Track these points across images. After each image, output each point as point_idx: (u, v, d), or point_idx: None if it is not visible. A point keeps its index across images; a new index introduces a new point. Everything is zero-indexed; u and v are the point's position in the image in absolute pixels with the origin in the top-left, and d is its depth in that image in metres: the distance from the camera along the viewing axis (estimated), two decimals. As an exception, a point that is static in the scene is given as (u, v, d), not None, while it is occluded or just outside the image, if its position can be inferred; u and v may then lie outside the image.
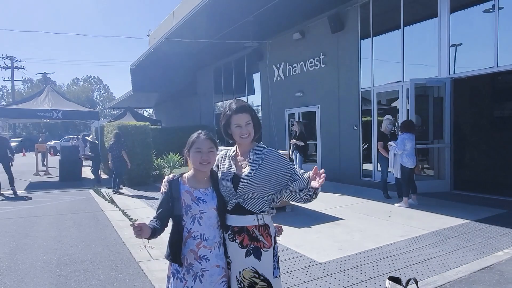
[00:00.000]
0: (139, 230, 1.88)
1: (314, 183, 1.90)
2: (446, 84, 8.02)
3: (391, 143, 7.03)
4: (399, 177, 7.01)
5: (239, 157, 2.22)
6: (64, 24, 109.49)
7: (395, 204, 7.06)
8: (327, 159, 11.43)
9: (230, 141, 2.27)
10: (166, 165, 11.96)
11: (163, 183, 2.15)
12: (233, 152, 2.27)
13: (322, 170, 1.91)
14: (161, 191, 2.14)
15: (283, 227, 2.33)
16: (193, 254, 2.04)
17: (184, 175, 2.16)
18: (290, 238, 5.20)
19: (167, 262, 2.15)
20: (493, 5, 7.24)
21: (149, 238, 1.96)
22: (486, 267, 4.07)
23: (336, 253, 4.59)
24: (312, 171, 1.95)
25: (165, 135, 14.66)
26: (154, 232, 1.96)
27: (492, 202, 7.01)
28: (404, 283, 2.29)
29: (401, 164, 6.86)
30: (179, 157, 12.06)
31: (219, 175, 2.20)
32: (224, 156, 2.29)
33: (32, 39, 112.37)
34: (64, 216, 7.08)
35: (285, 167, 2.15)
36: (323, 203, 7.44)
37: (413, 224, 5.79)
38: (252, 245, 2.08)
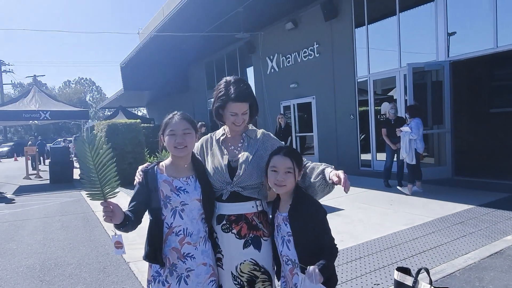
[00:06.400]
0: (110, 211, 1.58)
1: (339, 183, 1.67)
2: (444, 67, 7.77)
3: (404, 128, 6.73)
4: (414, 163, 6.71)
5: (230, 142, 1.95)
6: (53, 25, 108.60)
7: (399, 188, 6.97)
8: (324, 149, 11.18)
9: (220, 123, 2.01)
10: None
11: (137, 173, 1.86)
12: (221, 135, 1.99)
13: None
14: (134, 182, 1.84)
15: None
16: (176, 253, 1.78)
17: (161, 163, 1.89)
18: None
19: None
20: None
21: (119, 227, 1.66)
22: (496, 253, 3.84)
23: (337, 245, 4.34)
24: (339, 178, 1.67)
25: (158, 132, 14.40)
26: (126, 220, 1.66)
27: (494, 187, 6.80)
28: (414, 274, 2.02)
29: (415, 149, 6.62)
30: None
31: (209, 162, 1.93)
32: (209, 141, 2.01)
33: (21, 41, 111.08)
34: (52, 219, 6.78)
35: None
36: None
37: (416, 211, 5.55)
38: (251, 235, 1.83)
